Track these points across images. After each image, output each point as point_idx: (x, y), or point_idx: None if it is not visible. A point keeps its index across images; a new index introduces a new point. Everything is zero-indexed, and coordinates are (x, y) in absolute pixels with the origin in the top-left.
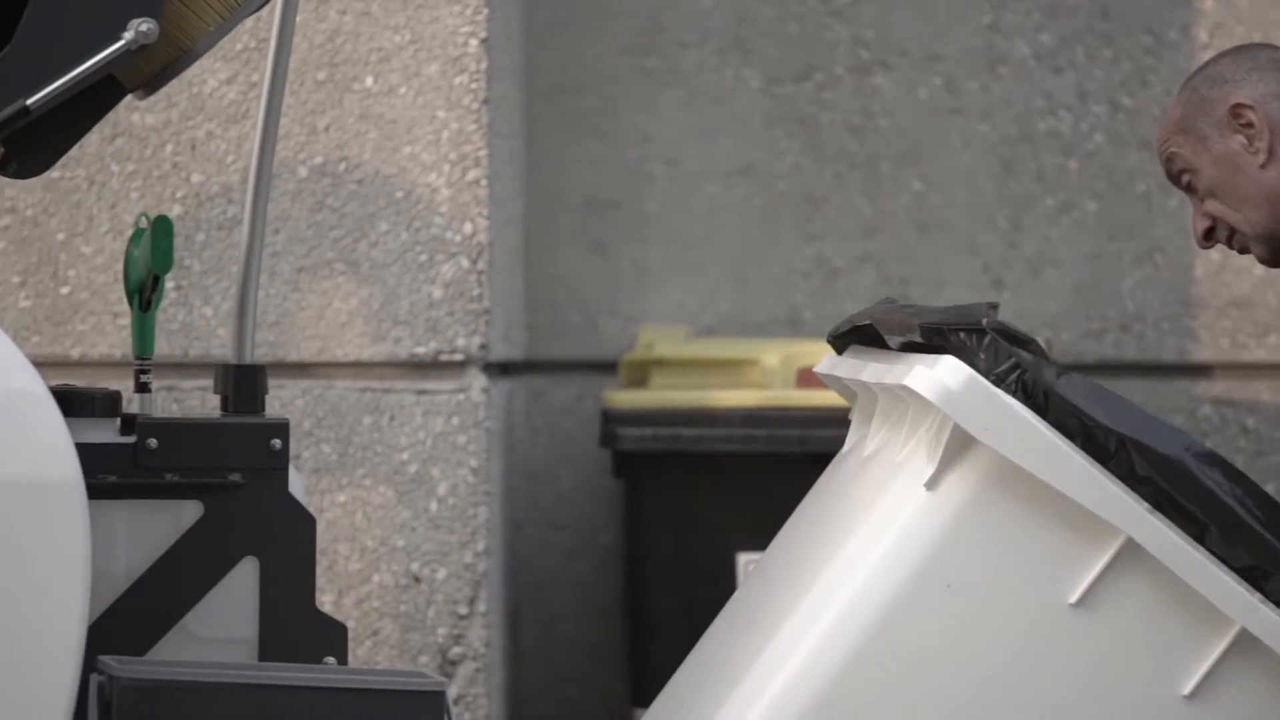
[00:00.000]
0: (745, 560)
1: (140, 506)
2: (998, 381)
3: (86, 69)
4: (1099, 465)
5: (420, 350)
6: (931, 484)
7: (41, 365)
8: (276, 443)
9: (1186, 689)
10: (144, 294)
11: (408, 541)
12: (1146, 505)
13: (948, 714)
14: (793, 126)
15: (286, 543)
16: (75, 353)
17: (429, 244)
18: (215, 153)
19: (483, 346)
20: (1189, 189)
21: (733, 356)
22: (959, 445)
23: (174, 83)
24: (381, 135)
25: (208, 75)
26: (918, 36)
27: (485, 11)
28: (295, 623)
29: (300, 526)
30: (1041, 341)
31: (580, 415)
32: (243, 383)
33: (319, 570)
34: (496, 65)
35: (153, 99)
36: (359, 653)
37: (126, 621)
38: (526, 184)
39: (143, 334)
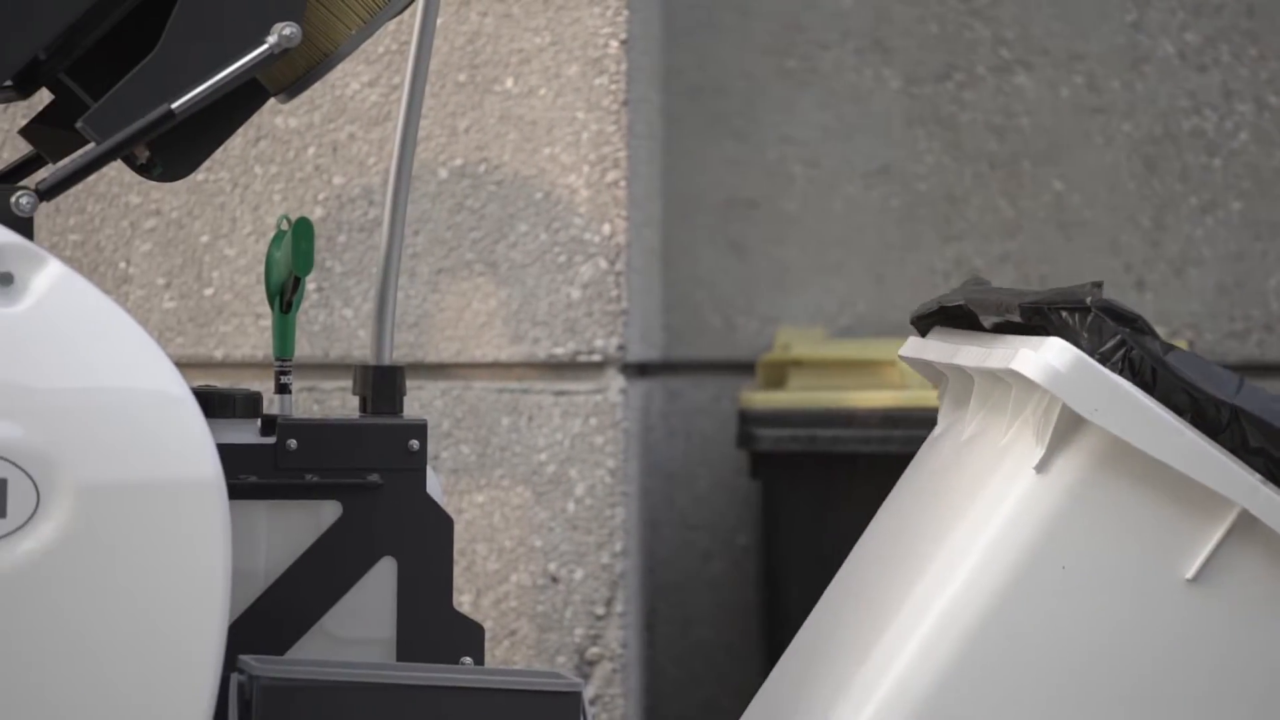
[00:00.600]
0: None
1: (280, 507)
2: (1104, 360)
3: (230, 73)
4: (1210, 439)
5: (558, 351)
6: (1041, 466)
7: (185, 366)
8: (415, 443)
9: None
10: (285, 295)
11: (545, 542)
12: (1259, 477)
13: (1065, 696)
14: (933, 126)
15: (424, 543)
16: (218, 354)
17: (568, 245)
18: (357, 155)
19: (621, 347)
20: None
21: (870, 357)
22: (1068, 426)
23: (316, 86)
24: (521, 137)
25: (350, 78)
26: (1059, 35)
27: (626, 13)
28: (433, 623)
29: (438, 527)
30: (1183, 343)
31: (717, 416)
32: (382, 384)
33: (457, 570)
34: (636, 66)
35: (295, 102)
36: (496, 653)
37: (266, 621)
38: (665, 185)
39: (284, 335)
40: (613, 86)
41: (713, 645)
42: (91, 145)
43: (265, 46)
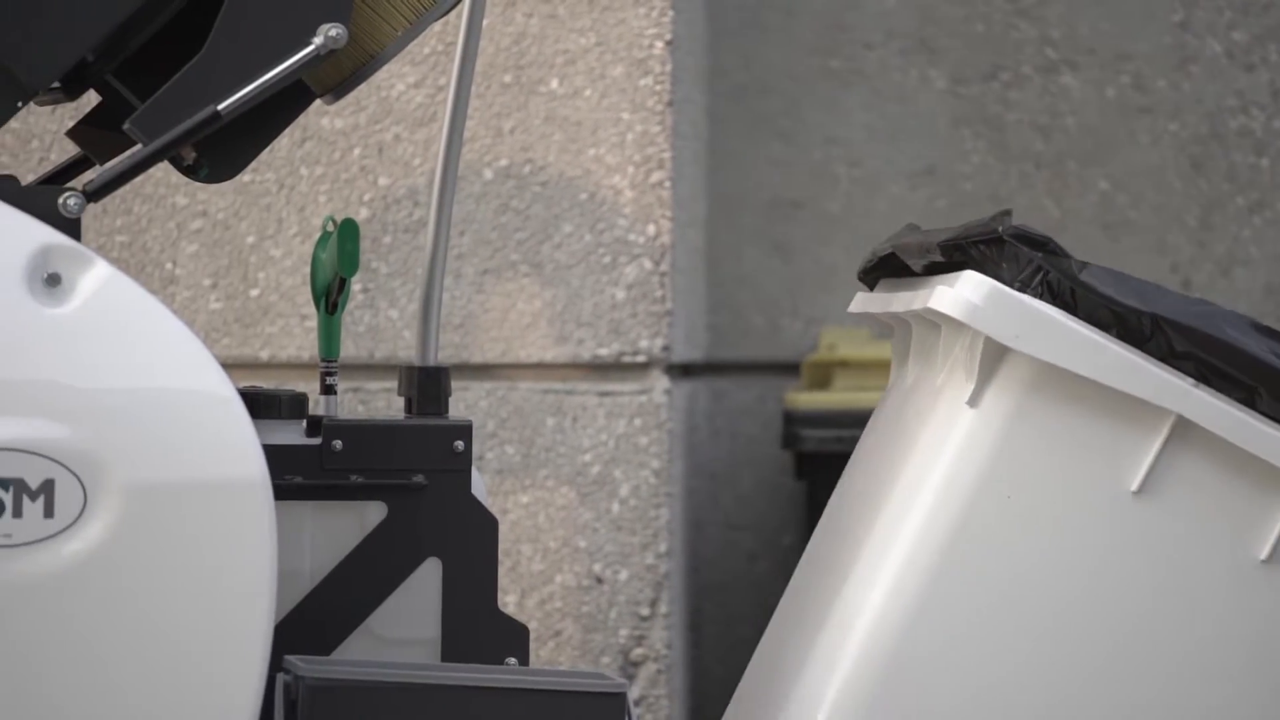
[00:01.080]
0: None
1: (325, 507)
2: (1023, 287)
3: (276, 74)
4: (1137, 350)
5: (603, 352)
6: (974, 401)
7: (231, 367)
8: (460, 444)
9: (1263, 553)
10: (330, 296)
11: (590, 542)
12: (1190, 380)
13: (1031, 622)
14: (978, 126)
15: (469, 544)
16: (264, 354)
17: (612, 246)
18: (402, 156)
19: (665, 348)
20: None
21: None
22: (993, 357)
23: (362, 87)
24: (566, 137)
25: (395, 79)
26: (1106, 35)
27: (670, 14)
28: (478, 623)
29: (483, 527)
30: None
31: (761, 416)
32: (427, 384)
33: (502, 571)
34: (681, 67)
35: (341, 103)
36: (541, 653)
37: (312, 621)
38: (710, 185)
39: (329, 336)
40: (657, 87)
41: (757, 645)
42: (138, 147)
43: (311, 48)
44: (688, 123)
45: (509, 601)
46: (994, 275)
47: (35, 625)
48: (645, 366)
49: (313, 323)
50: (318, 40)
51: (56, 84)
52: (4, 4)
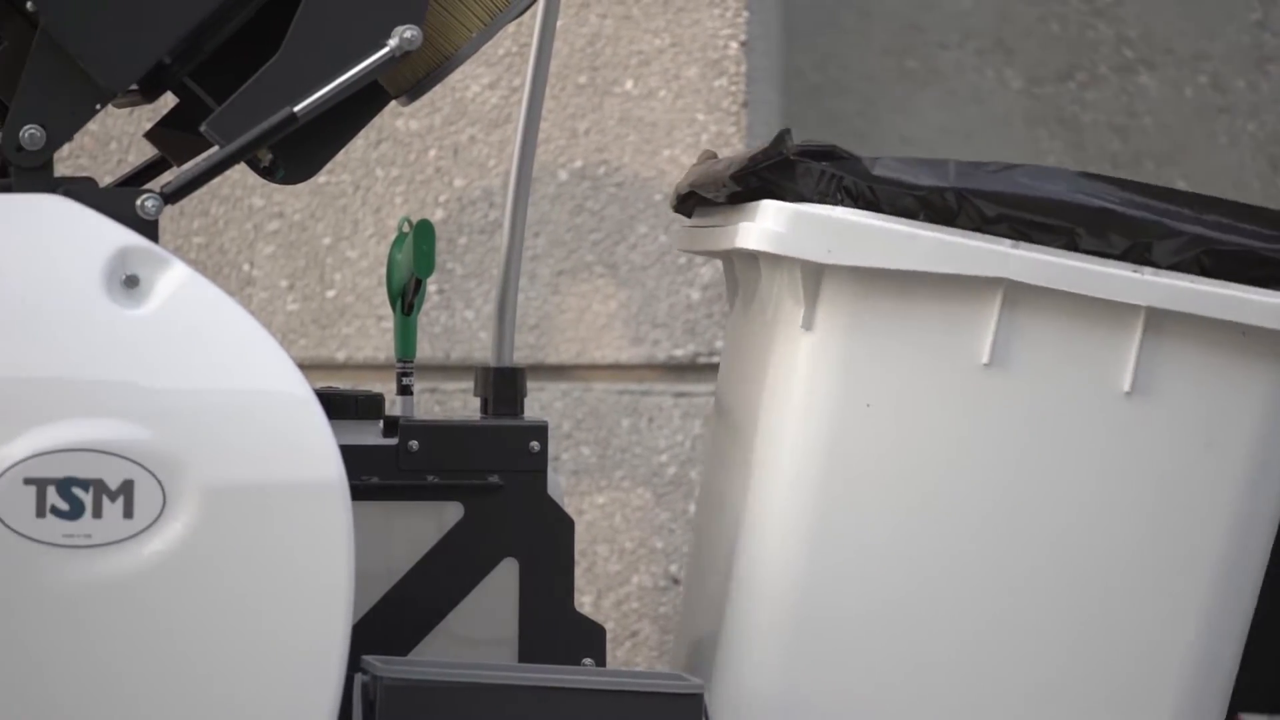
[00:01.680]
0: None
1: (402, 508)
2: (822, 199)
3: (352, 76)
4: (949, 228)
5: (678, 353)
6: (808, 324)
7: (307, 368)
8: (536, 445)
9: (1126, 385)
10: (406, 297)
11: (666, 543)
12: (1008, 242)
13: (917, 508)
14: (1054, 126)
15: (545, 544)
16: (340, 355)
17: None
18: (477, 157)
19: None
20: None
21: None
22: (815, 278)
23: (437, 88)
24: (641, 138)
25: (470, 80)
26: (1183, 34)
27: (745, 14)
28: (554, 623)
29: (559, 528)
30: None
31: None
32: (502, 385)
33: (578, 571)
34: (756, 68)
35: (416, 104)
36: (618, 654)
37: (389, 622)
38: None
39: (405, 337)
40: (732, 88)
41: None
42: (215, 148)
43: (386, 49)
44: (763, 123)
45: (585, 602)
46: (792, 196)
47: (115, 625)
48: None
49: (389, 324)
50: (393, 42)
51: (134, 86)
52: (83, 8)
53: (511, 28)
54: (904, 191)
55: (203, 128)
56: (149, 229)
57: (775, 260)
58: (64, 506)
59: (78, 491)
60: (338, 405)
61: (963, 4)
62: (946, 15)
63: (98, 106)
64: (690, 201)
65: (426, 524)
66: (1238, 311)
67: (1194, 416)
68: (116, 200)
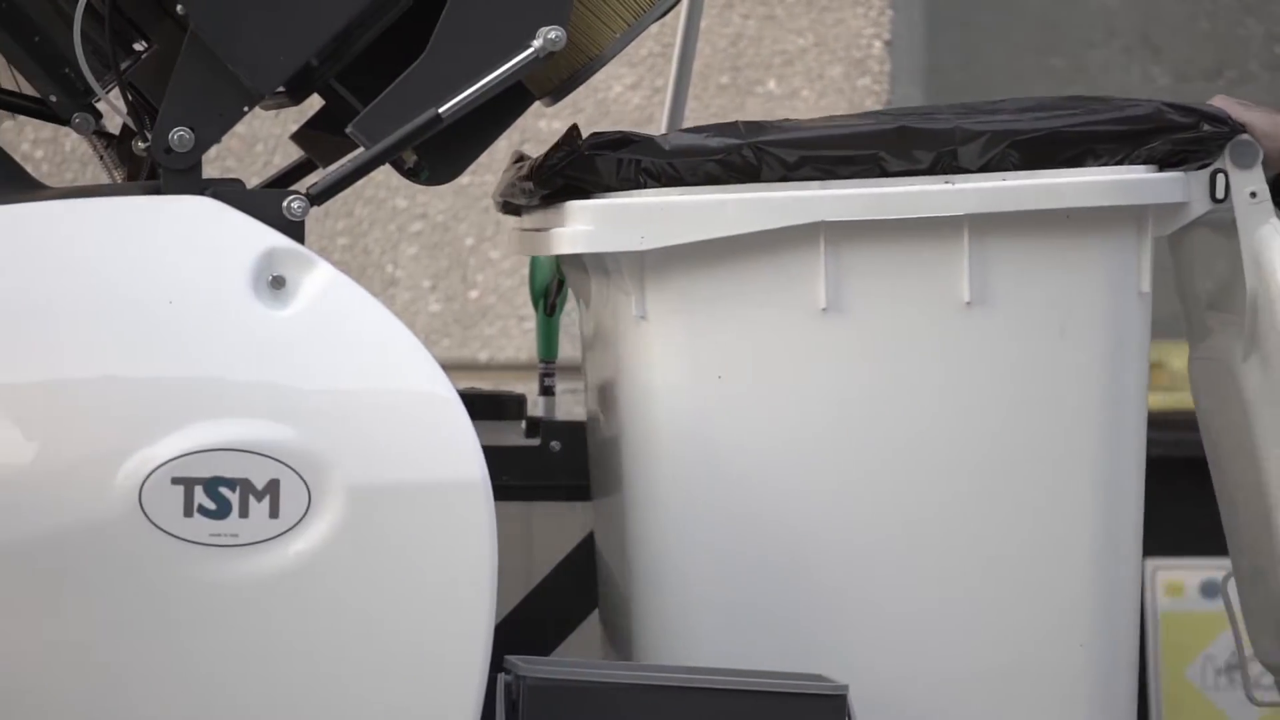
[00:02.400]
0: (1152, 566)
1: (543, 508)
2: (626, 186)
3: (496, 77)
4: (756, 185)
5: None
6: (641, 313)
7: (450, 368)
8: None
9: (965, 297)
10: (549, 298)
11: None
12: (816, 184)
13: (789, 466)
14: None
15: None
16: (483, 356)
17: None
18: None
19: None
20: None
21: None
22: (637, 265)
23: (580, 89)
24: None
25: (613, 81)
26: None
27: (889, 13)
28: None
29: None
30: None
31: None
32: None
33: None
34: (899, 66)
35: (559, 105)
36: None
37: (532, 621)
38: None
39: (548, 338)
40: (875, 86)
41: None
42: (360, 150)
43: (531, 50)
44: None
45: None
46: (599, 188)
47: (260, 624)
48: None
49: (531, 324)
50: (537, 43)
51: (281, 89)
52: (232, 11)
53: (654, 28)
54: (703, 160)
55: (349, 129)
56: (295, 230)
57: (595, 257)
58: (211, 506)
59: (224, 491)
60: (480, 406)
61: (1109, 2)
62: (1091, 13)
63: (245, 109)
64: (512, 205)
65: (568, 524)
66: (1056, 198)
67: (1040, 311)
68: (263, 201)
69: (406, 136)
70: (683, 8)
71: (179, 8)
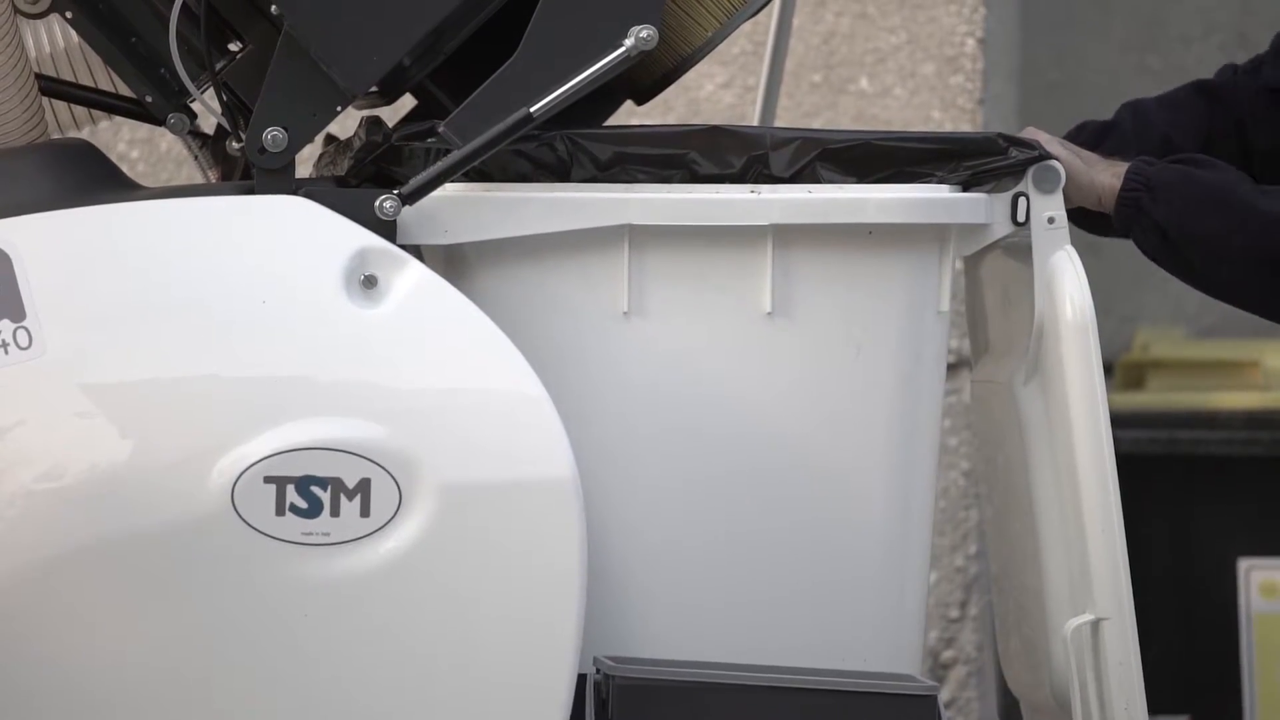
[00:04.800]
0: (1246, 566)
1: None
2: (437, 182)
3: (588, 76)
4: (564, 185)
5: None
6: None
7: None
8: None
9: (767, 307)
10: None
11: None
12: (624, 186)
13: (589, 470)
14: None
15: None
16: None
17: None
18: None
19: None
20: None
21: (1233, 358)
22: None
23: (671, 87)
24: None
25: (704, 79)
26: None
27: (983, 10)
28: None
29: None
30: None
31: None
32: None
33: None
34: (993, 64)
35: (650, 104)
36: None
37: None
38: None
39: None
40: (969, 85)
41: None
42: (453, 150)
43: (623, 49)
44: (999, 120)
45: None
46: (406, 179)
47: (353, 623)
48: (955, 367)
49: None
50: (629, 42)
51: (374, 88)
52: (325, 10)
53: (746, 26)
54: (516, 155)
55: (440, 129)
56: (387, 229)
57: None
58: (303, 505)
59: (316, 490)
60: None
61: None
62: (1189, 10)
63: (339, 108)
64: None
65: None
66: (858, 212)
67: (840, 325)
68: (356, 201)
69: (498, 136)
70: (775, 6)
71: (273, 8)
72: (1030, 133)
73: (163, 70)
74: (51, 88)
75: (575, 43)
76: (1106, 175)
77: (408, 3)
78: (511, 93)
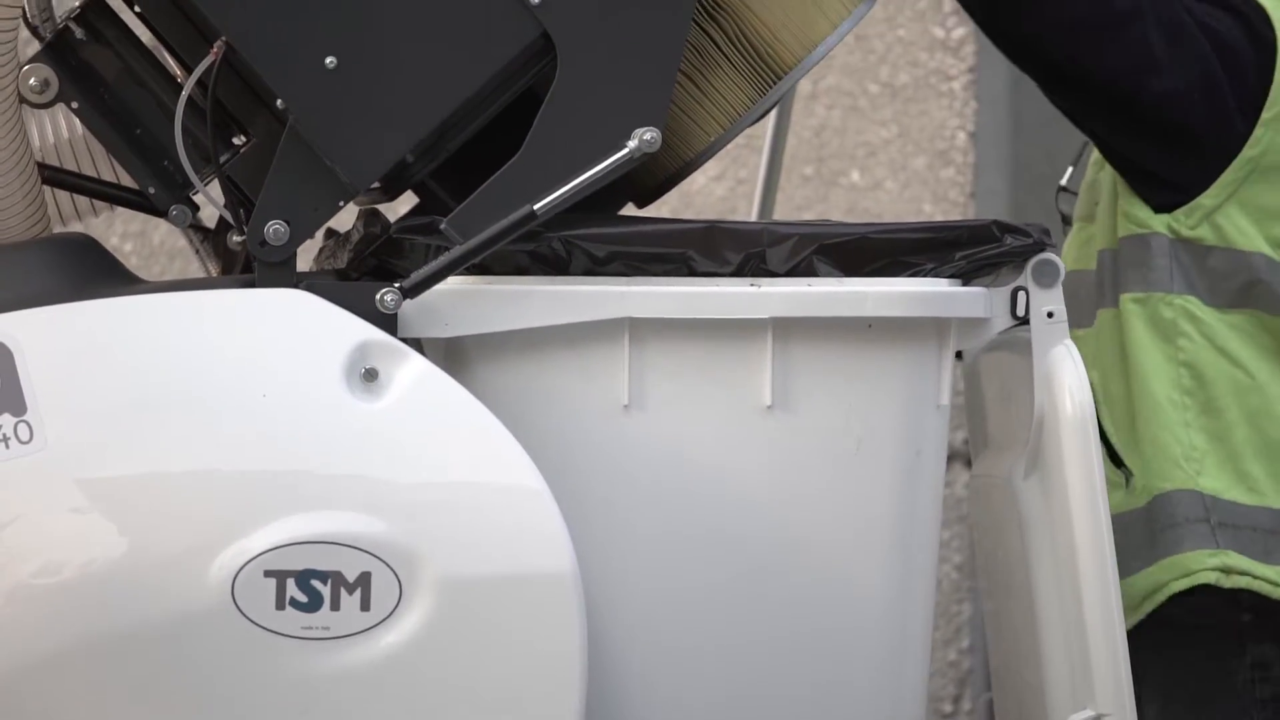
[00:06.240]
0: None
1: None
2: (432, 281)
3: (591, 176)
4: (563, 279)
5: None
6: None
7: None
8: None
9: (767, 400)
10: None
11: None
12: (623, 280)
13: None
14: None
15: None
16: None
17: None
18: None
19: (966, 441)
20: None
21: None
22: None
23: None
24: None
25: (697, 173)
26: None
27: (974, 104)
28: None
29: None
30: None
31: None
32: None
33: None
34: (984, 158)
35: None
36: None
37: None
38: None
39: None
40: (960, 178)
41: None
42: (454, 246)
43: (625, 150)
44: (990, 214)
45: None
46: (405, 272)
47: (352, 717)
48: (948, 459)
49: None
50: (632, 143)
51: (376, 184)
52: (330, 107)
53: None
54: (513, 250)
55: (442, 226)
56: (388, 323)
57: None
58: (303, 599)
59: (316, 584)
60: None
61: None
62: None
63: (340, 204)
64: None
65: None
66: (858, 306)
67: (839, 419)
68: (357, 294)
69: (500, 233)
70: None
71: (279, 102)
72: None
73: (166, 162)
74: (53, 177)
75: (578, 143)
76: None
77: (412, 101)
78: (514, 191)
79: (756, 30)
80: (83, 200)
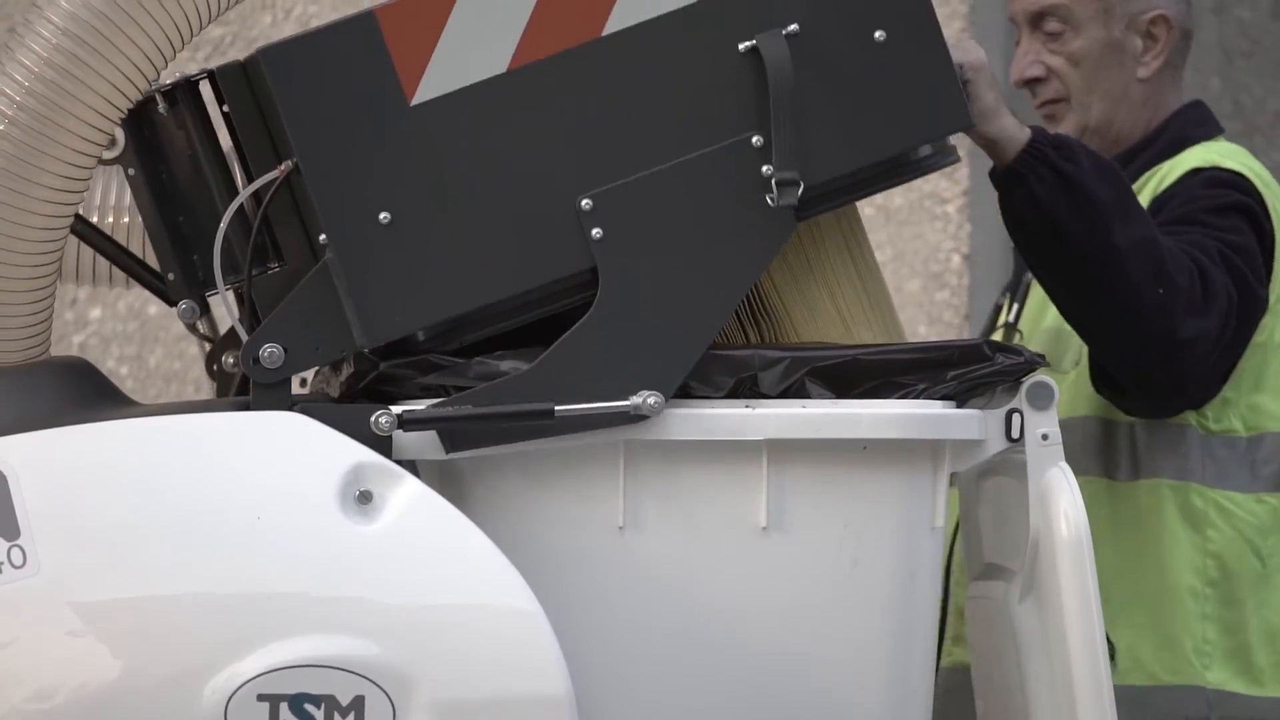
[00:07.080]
0: None
1: None
2: (439, 394)
3: (592, 410)
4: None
5: None
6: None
7: None
8: None
9: (762, 522)
10: None
11: None
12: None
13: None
14: None
15: None
16: None
17: None
18: None
19: None
20: (1044, 30)
21: None
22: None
23: None
24: None
25: None
26: None
27: (968, 227)
28: None
29: None
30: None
31: None
32: None
33: None
34: (978, 280)
35: None
36: None
37: None
38: None
39: None
40: (954, 300)
41: None
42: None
43: (626, 403)
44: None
45: None
46: (417, 390)
47: None
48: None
49: None
50: (636, 400)
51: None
52: (368, 255)
53: None
54: (500, 414)
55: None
56: (383, 445)
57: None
58: None
59: (310, 708)
60: None
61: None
62: None
63: (342, 353)
64: None
65: None
66: (852, 428)
67: (834, 541)
68: (351, 417)
69: (514, 414)
70: None
71: (322, 237)
72: (969, 48)
73: (196, 256)
74: (84, 231)
75: (590, 382)
76: (1013, 121)
77: (449, 282)
78: (513, 398)
79: (789, 339)
80: (101, 266)
